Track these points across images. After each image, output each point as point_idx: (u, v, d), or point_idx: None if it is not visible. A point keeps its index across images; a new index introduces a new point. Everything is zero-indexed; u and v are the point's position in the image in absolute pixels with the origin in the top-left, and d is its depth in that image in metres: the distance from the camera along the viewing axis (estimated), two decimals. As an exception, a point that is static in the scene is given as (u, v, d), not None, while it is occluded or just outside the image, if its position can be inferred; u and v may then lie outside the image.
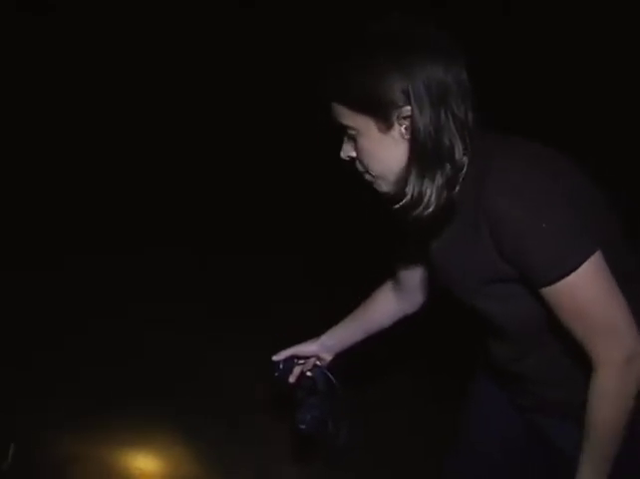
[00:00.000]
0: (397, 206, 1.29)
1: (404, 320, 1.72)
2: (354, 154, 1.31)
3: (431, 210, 1.25)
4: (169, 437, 2.69)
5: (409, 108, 1.22)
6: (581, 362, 1.30)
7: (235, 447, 2.65)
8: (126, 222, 4.37)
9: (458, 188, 1.26)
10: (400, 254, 1.62)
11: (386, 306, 1.71)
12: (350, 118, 1.26)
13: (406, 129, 1.24)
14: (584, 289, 1.21)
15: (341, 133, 1.32)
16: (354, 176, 1.37)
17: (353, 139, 1.29)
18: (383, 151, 1.27)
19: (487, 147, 1.26)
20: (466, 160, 1.25)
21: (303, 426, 1.63)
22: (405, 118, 1.23)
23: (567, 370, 1.35)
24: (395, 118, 1.23)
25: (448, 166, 1.23)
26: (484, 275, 1.29)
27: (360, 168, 1.33)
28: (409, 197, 1.26)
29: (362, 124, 1.25)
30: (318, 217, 4.16)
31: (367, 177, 1.33)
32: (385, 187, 1.31)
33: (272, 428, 2.65)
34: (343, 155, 1.32)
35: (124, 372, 2.99)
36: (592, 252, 1.20)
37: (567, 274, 1.20)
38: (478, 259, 1.28)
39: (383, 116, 1.24)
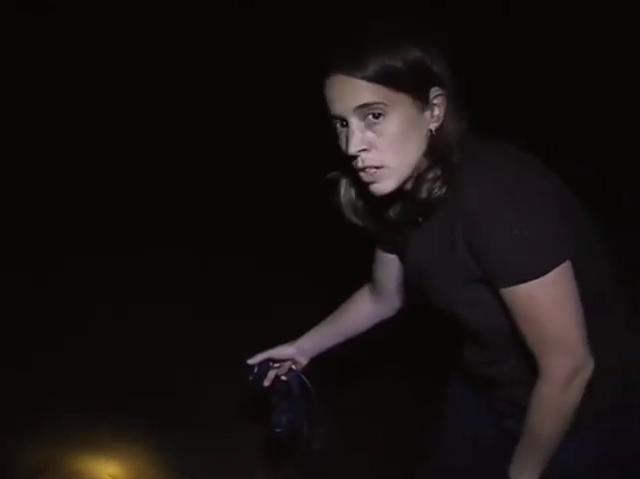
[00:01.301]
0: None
1: (382, 324, 1.69)
2: (366, 146, 1.23)
3: (435, 196, 1.24)
4: (152, 441, 2.66)
5: (440, 90, 1.22)
6: None
7: (214, 452, 2.61)
8: (126, 222, 4.37)
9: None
10: (377, 258, 1.59)
11: (363, 310, 1.67)
12: (384, 95, 1.19)
13: (434, 114, 1.23)
14: (543, 297, 1.19)
15: (342, 130, 1.25)
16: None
17: (373, 126, 1.22)
18: (413, 135, 1.22)
19: (474, 147, 1.25)
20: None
21: (279, 430, 1.58)
22: (437, 97, 1.22)
23: None
24: (432, 96, 1.22)
25: (454, 157, 1.23)
26: (458, 278, 1.27)
27: (372, 162, 1.24)
28: (419, 188, 1.25)
29: (399, 103, 1.20)
30: (318, 217, 4.15)
31: (373, 174, 1.25)
32: (390, 184, 1.25)
33: (253, 434, 2.59)
34: (358, 146, 1.22)
35: (124, 372, 2.99)
36: (563, 260, 1.18)
37: (533, 278, 1.17)
38: (451, 261, 1.25)
39: (421, 92, 1.21)
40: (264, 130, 5.18)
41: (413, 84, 1.20)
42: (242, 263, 3.97)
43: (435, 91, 1.22)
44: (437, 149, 1.24)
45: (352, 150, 1.23)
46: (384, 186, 1.26)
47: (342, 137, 1.26)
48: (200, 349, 3.18)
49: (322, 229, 4.02)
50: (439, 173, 1.23)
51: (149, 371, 3.00)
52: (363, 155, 1.23)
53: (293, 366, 1.68)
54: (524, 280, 1.18)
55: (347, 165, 1.29)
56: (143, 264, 3.91)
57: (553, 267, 1.18)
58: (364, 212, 1.38)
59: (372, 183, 1.26)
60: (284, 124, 4.98)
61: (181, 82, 5.57)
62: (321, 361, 1.70)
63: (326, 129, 1.29)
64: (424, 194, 1.25)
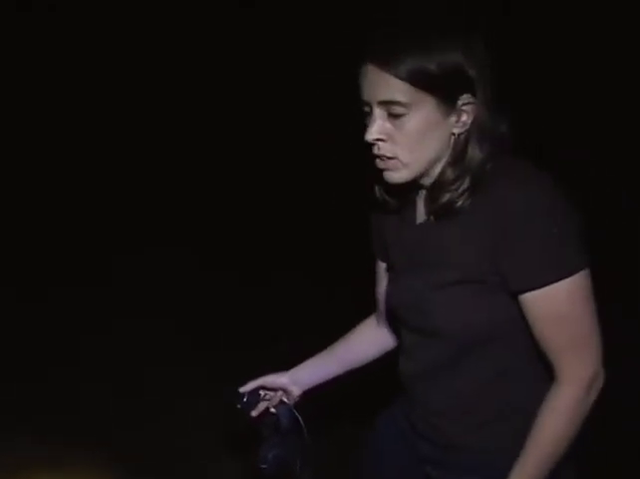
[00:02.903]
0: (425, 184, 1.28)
1: (387, 355, 1.60)
2: (384, 136, 1.24)
3: (458, 206, 1.24)
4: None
5: (472, 99, 1.22)
6: (514, 399, 1.30)
7: None
8: (126, 222, 4.38)
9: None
10: (380, 274, 1.55)
11: (367, 337, 1.61)
12: (410, 95, 1.20)
13: (460, 119, 1.23)
14: (579, 293, 1.21)
15: (368, 114, 1.25)
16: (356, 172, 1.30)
17: (394, 120, 1.22)
18: (432, 136, 1.23)
19: (503, 158, 1.25)
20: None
21: (264, 466, 1.50)
22: (466, 104, 1.22)
23: (498, 407, 1.32)
24: (459, 103, 1.22)
25: (482, 168, 1.23)
26: (456, 276, 1.26)
27: (386, 152, 1.25)
28: (439, 193, 1.25)
29: (424, 103, 1.20)
30: (318, 217, 4.16)
31: (386, 162, 1.26)
32: (402, 176, 1.26)
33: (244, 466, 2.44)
34: (374, 135, 1.24)
35: (122, 373, 2.99)
36: (588, 263, 1.21)
37: (566, 278, 1.19)
38: (460, 260, 1.25)
39: (449, 97, 1.21)
40: (264, 130, 5.18)
41: (443, 88, 1.20)
42: (242, 264, 3.97)
43: (465, 98, 1.22)
44: (459, 154, 1.24)
45: (369, 137, 1.25)
46: (396, 175, 1.27)
47: (367, 121, 1.27)
48: (201, 349, 3.18)
49: (322, 229, 4.03)
50: (467, 185, 1.23)
51: (148, 371, 3.00)
52: (379, 143, 1.25)
53: (285, 399, 1.60)
54: (567, 275, 1.19)
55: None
56: (143, 264, 3.91)
57: (586, 265, 1.20)
58: (385, 190, 1.38)
59: (385, 170, 1.28)
60: (284, 124, 4.99)
61: (181, 82, 5.57)
62: (316, 389, 1.61)
63: (324, 128, 1.29)
64: (443, 199, 1.25)
